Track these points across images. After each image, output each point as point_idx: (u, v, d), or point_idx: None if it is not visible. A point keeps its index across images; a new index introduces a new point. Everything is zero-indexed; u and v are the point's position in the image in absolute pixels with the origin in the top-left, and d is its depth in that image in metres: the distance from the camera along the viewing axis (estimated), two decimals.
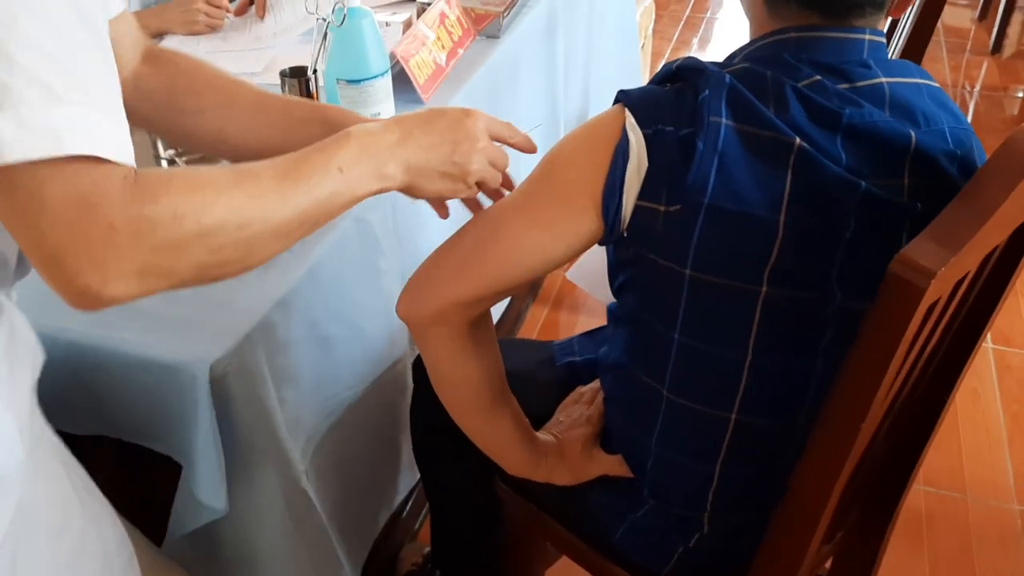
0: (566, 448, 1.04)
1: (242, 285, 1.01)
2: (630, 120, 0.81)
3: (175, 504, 1.00)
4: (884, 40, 0.87)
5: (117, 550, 0.85)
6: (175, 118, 0.96)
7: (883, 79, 0.83)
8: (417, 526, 1.65)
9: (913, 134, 0.81)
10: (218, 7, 1.61)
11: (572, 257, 0.89)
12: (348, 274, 1.16)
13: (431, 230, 1.36)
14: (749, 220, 0.79)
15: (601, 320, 1.11)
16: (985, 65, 3.41)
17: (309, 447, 1.13)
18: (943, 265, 0.70)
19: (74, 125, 0.57)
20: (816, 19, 0.83)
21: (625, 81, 2.39)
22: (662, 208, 0.81)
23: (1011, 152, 0.74)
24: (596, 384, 1.11)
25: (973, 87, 3.27)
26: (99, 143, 0.58)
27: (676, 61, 0.85)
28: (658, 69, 0.88)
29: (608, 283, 0.96)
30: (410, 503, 1.60)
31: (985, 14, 3.70)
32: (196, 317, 0.97)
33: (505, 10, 1.60)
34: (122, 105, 0.62)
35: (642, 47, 2.65)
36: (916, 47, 1.69)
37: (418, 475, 1.42)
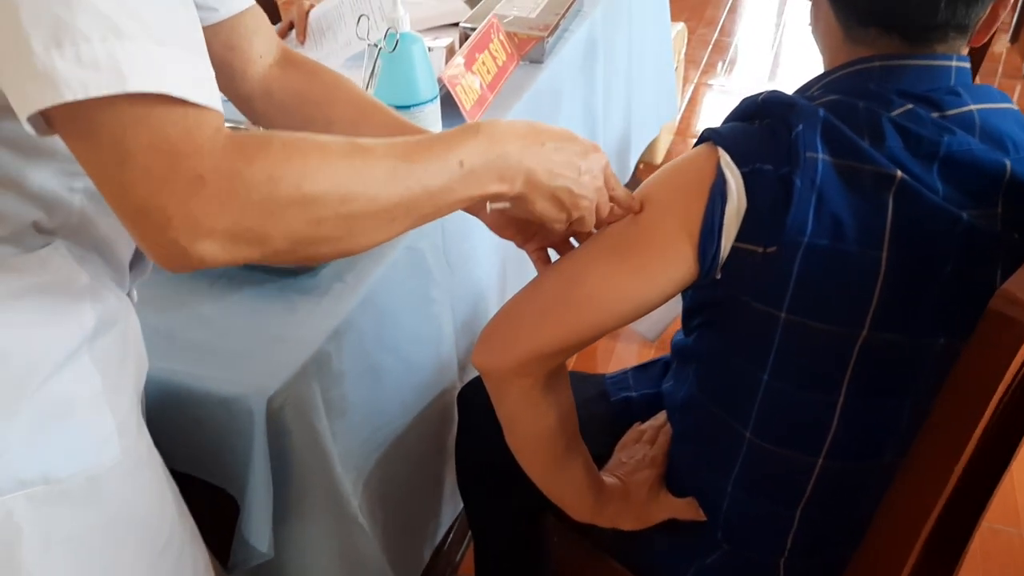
0: (632, 492, 1.00)
1: (295, 317, 1.00)
2: (725, 158, 0.78)
3: (235, 538, 0.96)
4: (970, 66, 0.84)
5: (206, 572, 0.83)
6: (300, 125, 0.92)
7: (973, 106, 0.81)
8: (458, 558, 1.61)
9: (1007, 162, 0.78)
10: None
11: (662, 302, 0.85)
12: (400, 303, 1.13)
13: (481, 256, 1.34)
14: (850, 258, 0.76)
15: (637, 344, 1.08)
16: (1018, 89, 3.37)
17: (360, 481, 1.10)
18: None
19: (149, 63, 0.53)
20: (897, 45, 0.81)
21: (663, 107, 2.38)
22: (760, 249, 0.78)
23: None
24: (656, 421, 1.07)
25: None
26: (183, 84, 0.54)
27: (760, 94, 0.82)
28: (737, 103, 0.85)
29: (657, 318, 0.93)
30: (451, 535, 1.56)
31: (1017, 37, 3.66)
32: (250, 349, 0.95)
33: (548, 34, 1.58)
34: (206, 51, 0.58)
35: (676, 70, 2.63)
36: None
37: (460, 506, 1.39)
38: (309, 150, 0.60)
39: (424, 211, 0.67)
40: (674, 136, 3.01)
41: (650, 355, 2.01)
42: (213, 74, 0.58)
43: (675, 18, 2.70)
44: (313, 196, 0.59)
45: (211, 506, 0.95)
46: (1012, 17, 3.63)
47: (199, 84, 0.56)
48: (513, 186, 0.73)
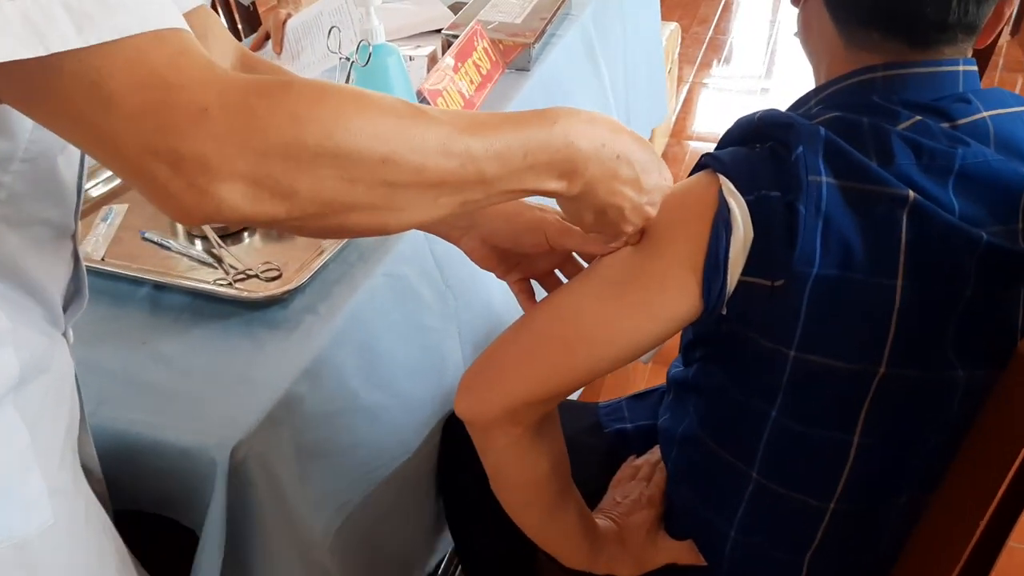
0: (627, 535, 0.94)
1: (262, 355, 0.93)
2: (727, 186, 0.71)
3: None
4: (977, 70, 0.77)
5: None
6: None
7: (985, 113, 0.74)
8: None
9: None
10: None
11: (663, 341, 0.78)
12: (385, 335, 1.05)
13: (488, 280, 1.26)
14: (863, 288, 0.69)
15: (631, 368, 1.01)
16: (1019, 82, 3.31)
17: (338, 518, 1.02)
18: None
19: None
20: (901, 50, 0.74)
21: (654, 111, 2.31)
22: (768, 283, 0.71)
23: None
24: (653, 456, 1.01)
25: None
26: (149, 15, 0.47)
27: (756, 114, 0.75)
28: (733, 122, 0.78)
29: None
30: (441, 567, 1.50)
31: (1017, 29, 3.60)
32: (213, 393, 0.88)
33: (534, 41, 1.51)
34: None
35: (668, 72, 2.56)
36: (981, 60, 1.59)
37: (449, 540, 1.32)
38: (344, 96, 0.52)
39: (474, 196, 0.59)
40: (669, 138, 2.94)
41: (646, 378, 1.95)
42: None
43: (668, 17, 2.64)
44: (348, 149, 0.50)
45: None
46: (1012, 9, 3.57)
47: (164, 7, 0.48)
48: (571, 188, 0.65)
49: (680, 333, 0.89)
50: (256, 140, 0.48)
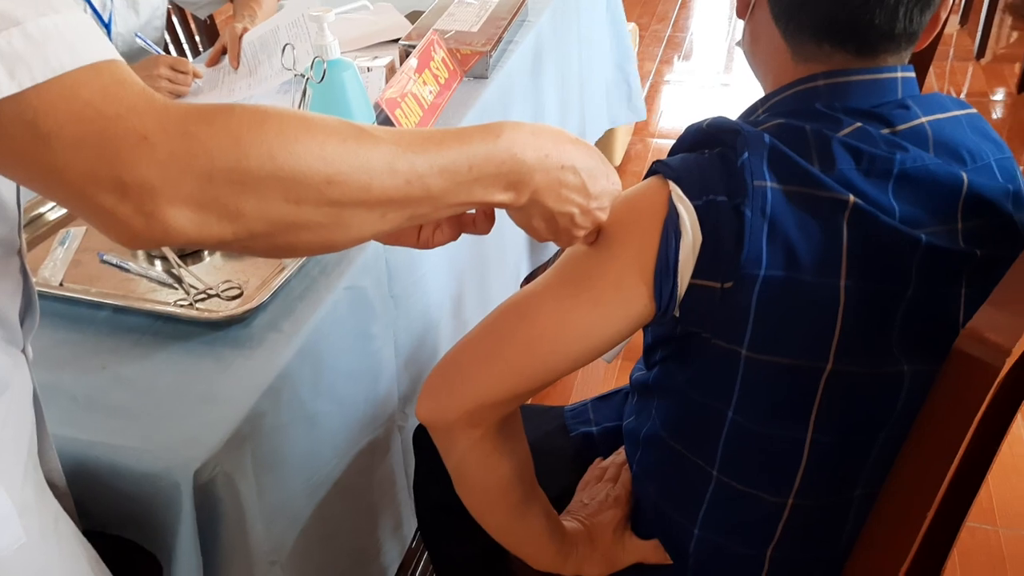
0: (596, 535, 0.95)
1: (226, 374, 0.93)
2: (676, 192, 0.73)
3: None
4: (915, 76, 0.80)
5: None
6: None
7: (923, 119, 0.77)
8: None
9: (964, 174, 0.74)
10: (183, 72, 1.52)
11: (620, 341, 0.80)
12: (338, 347, 1.07)
13: (431, 286, 1.28)
14: (808, 288, 0.71)
15: (595, 368, 1.02)
16: (970, 70, 3.37)
17: (292, 530, 1.03)
18: (1017, 340, 0.62)
19: (43, 41, 0.46)
20: (845, 59, 0.76)
21: (623, 110, 2.32)
22: (718, 285, 0.73)
23: None
24: (618, 457, 1.02)
25: (960, 93, 3.22)
26: (79, 50, 0.47)
27: (704, 121, 0.77)
28: (683, 130, 0.80)
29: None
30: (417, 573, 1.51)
31: (966, 19, 3.67)
32: (176, 414, 0.88)
33: (492, 49, 1.52)
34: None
35: None
36: (922, 62, 1.62)
37: (407, 540, 1.34)
38: (287, 118, 0.53)
39: (421, 211, 0.60)
40: (632, 136, 2.96)
41: (615, 376, 1.96)
42: (94, 23, 0.51)
43: (627, 16, 2.65)
44: (292, 171, 0.52)
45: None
46: (948, 12, 3.63)
47: (95, 39, 0.49)
48: (518, 198, 0.67)
49: (642, 336, 0.91)
50: (200, 164, 0.49)
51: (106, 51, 0.49)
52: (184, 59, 1.56)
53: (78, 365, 0.93)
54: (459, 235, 0.75)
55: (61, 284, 1.04)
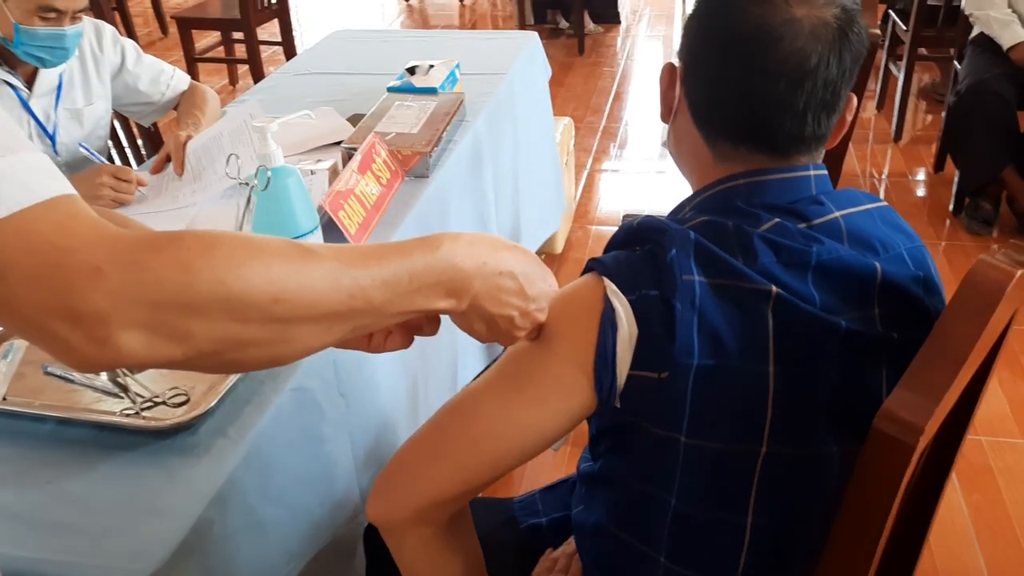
0: None
1: (173, 484, 0.93)
2: (611, 287, 0.78)
3: None
4: (827, 173, 0.86)
5: None
6: None
7: (837, 213, 0.83)
8: None
9: (877, 264, 0.80)
10: (127, 180, 1.54)
11: (563, 434, 0.83)
12: (287, 450, 1.07)
13: (382, 383, 1.29)
14: (738, 375, 0.76)
15: (548, 457, 1.04)
16: (889, 152, 3.56)
17: None
18: (929, 418, 0.67)
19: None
20: (763, 160, 0.83)
21: (554, 202, 2.40)
22: (655, 376, 0.76)
23: (972, 292, 0.72)
24: (569, 547, 1.03)
25: (881, 174, 3.40)
26: (34, 187, 0.49)
27: (635, 219, 0.82)
28: (616, 229, 0.85)
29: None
30: None
31: (882, 104, 3.89)
32: (121, 528, 0.87)
33: (431, 149, 1.58)
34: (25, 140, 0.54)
35: (565, 163, 2.68)
36: (841, 144, 1.72)
37: None
38: (235, 243, 0.56)
39: (364, 321, 0.63)
40: (572, 224, 3.05)
41: (562, 465, 1.98)
42: (49, 160, 0.54)
43: (561, 111, 2.77)
44: (239, 294, 0.54)
45: None
46: (876, 85, 3.87)
47: (49, 176, 0.51)
48: (459, 304, 0.70)
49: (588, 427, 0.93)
50: (150, 292, 0.51)
51: (60, 186, 0.52)
52: (127, 168, 1.58)
53: (21, 481, 0.92)
54: (411, 341, 0.77)
55: (4, 398, 1.03)
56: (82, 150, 1.68)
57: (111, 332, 0.50)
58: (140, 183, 1.56)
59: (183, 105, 1.86)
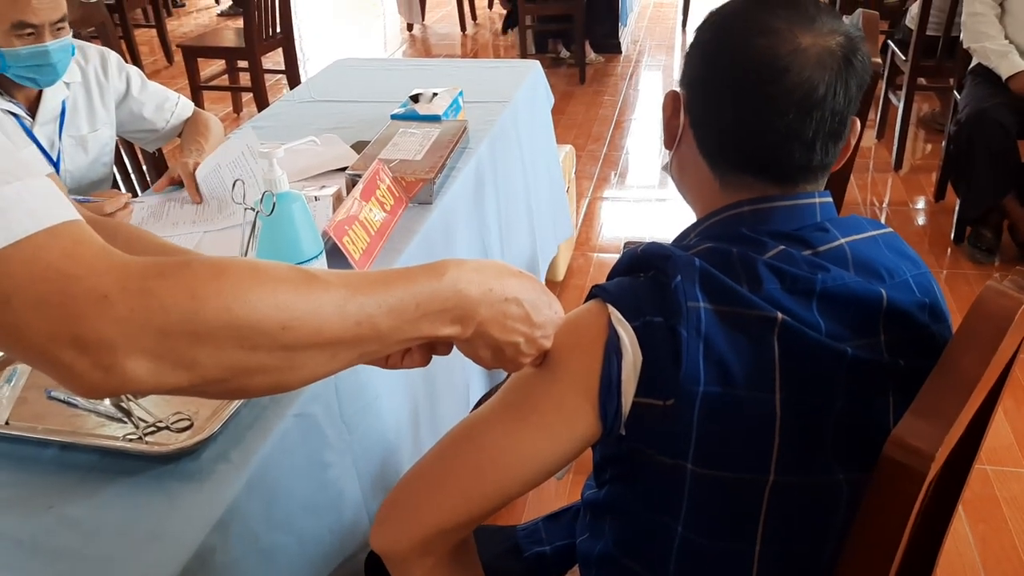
0: None
1: (175, 509, 0.92)
2: (615, 315, 0.77)
3: None
4: (831, 200, 0.86)
5: None
6: None
7: (842, 240, 0.83)
8: None
9: (883, 291, 0.80)
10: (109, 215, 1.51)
11: (568, 462, 0.82)
12: (291, 476, 1.06)
13: (384, 408, 1.29)
14: (745, 403, 0.75)
15: (552, 485, 1.03)
16: (890, 181, 3.57)
17: None
18: (939, 445, 0.66)
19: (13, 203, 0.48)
20: (767, 187, 0.83)
21: (560, 226, 2.41)
22: (660, 403, 0.76)
23: (981, 319, 0.72)
24: None
25: (882, 203, 3.41)
26: (40, 214, 0.49)
27: (639, 247, 0.82)
28: (619, 257, 0.85)
29: None
30: None
31: (882, 133, 3.91)
32: (122, 554, 0.86)
33: (435, 175, 1.59)
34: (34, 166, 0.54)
35: (567, 190, 2.69)
36: (842, 173, 1.74)
37: None
38: (241, 271, 0.56)
39: (370, 348, 0.63)
40: (573, 251, 3.05)
41: (565, 493, 1.96)
42: (55, 185, 0.54)
43: (563, 139, 2.78)
44: (247, 321, 0.54)
45: None
46: (876, 115, 3.89)
47: (55, 202, 0.51)
48: (465, 331, 0.71)
49: (592, 454, 0.93)
50: (157, 319, 0.51)
51: (66, 213, 0.52)
52: (113, 199, 1.54)
53: (23, 507, 0.91)
54: (429, 359, 0.77)
55: (7, 423, 1.03)
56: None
57: (118, 359, 0.50)
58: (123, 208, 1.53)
59: (187, 132, 1.87)
